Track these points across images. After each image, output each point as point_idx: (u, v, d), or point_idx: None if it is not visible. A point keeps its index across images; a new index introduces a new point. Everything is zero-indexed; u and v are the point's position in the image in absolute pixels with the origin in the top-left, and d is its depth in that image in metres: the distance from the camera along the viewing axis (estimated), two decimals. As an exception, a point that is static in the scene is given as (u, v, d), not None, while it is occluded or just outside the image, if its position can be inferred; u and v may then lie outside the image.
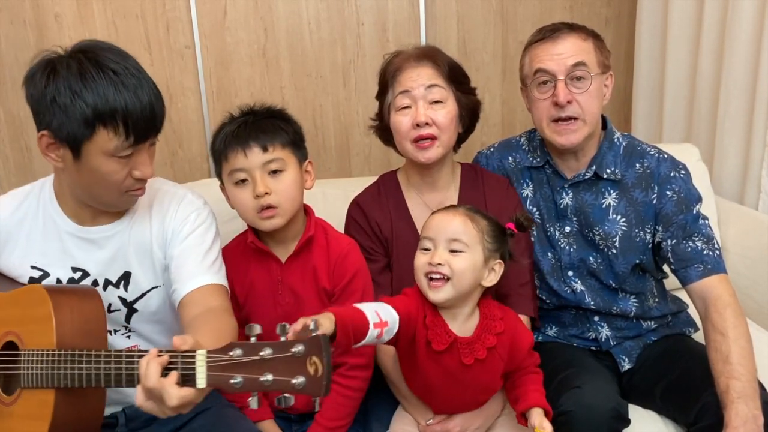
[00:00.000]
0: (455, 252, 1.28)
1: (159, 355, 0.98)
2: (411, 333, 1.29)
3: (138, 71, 1.20)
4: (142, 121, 1.18)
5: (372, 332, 1.14)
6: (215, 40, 2.46)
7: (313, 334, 0.92)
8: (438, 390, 1.37)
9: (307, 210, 1.55)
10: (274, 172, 1.42)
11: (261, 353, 0.92)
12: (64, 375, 1.13)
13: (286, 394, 0.92)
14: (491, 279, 1.32)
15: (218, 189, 1.56)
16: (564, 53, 1.50)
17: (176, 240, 1.35)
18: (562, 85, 1.49)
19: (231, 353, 0.94)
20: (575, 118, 1.50)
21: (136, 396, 1.00)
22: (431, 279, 1.28)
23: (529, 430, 1.29)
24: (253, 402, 0.95)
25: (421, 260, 1.30)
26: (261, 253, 1.49)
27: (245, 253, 1.51)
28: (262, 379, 0.91)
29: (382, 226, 1.61)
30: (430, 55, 1.54)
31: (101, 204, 1.32)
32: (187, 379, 0.97)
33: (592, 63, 1.51)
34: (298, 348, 0.91)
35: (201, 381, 0.95)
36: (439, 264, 1.27)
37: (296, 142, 1.48)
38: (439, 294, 1.28)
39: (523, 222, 1.36)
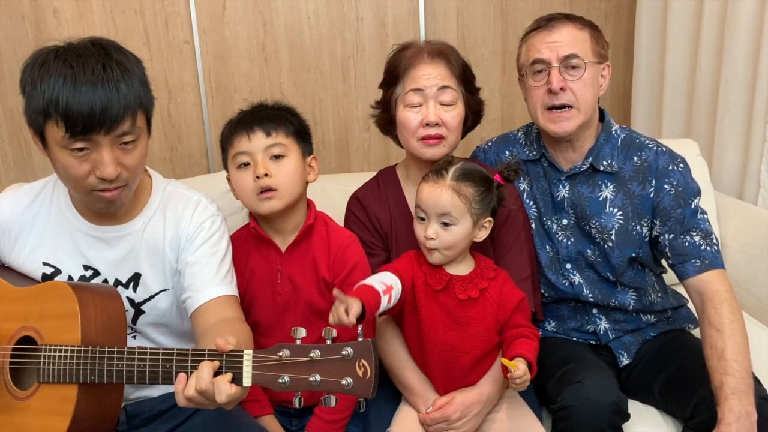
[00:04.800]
0: (446, 225, 1.39)
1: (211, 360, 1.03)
2: (410, 284, 1.42)
3: (107, 66, 1.17)
4: (81, 116, 1.14)
5: (383, 299, 1.30)
6: (214, 36, 2.45)
7: (362, 339, 0.98)
8: (438, 338, 1.41)
9: (308, 203, 1.56)
10: (277, 157, 1.44)
11: (311, 355, 0.98)
12: (91, 371, 1.13)
13: (331, 395, 0.98)
14: (482, 235, 1.44)
15: (218, 185, 1.56)
16: (559, 41, 1.50)
17: (190, 247, 1.36)
18: (555, 72, 1.49)
19: (280, 354, 0.99)
20: (569, 107, 1.51)
21: (178, 395, 1.04)
22: (427, 247, 1.41)
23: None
24: (296, 401, 1.01)
25: (418, 230, 1.43)
26: (262, 241, 1.51)
27: (247, 242, 1.53)
28: (310, 379, 0.97)
29: (382, 221, 1.61)
30: (445, 53, 1.53)
31: (84, 203, 1.31)
32: (233, 378, 1.02)
33: (587, 52, 1.51)
34: (348, 351, 0.97)
35: (247, 380, 1.01)
36: (432, 238, 1.39)
37: (300, 134, 1.50)
38: (433, 258, 1.42)
39: (509, 174, 1.44)
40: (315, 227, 1.52)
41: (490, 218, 1.43)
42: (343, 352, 0.96)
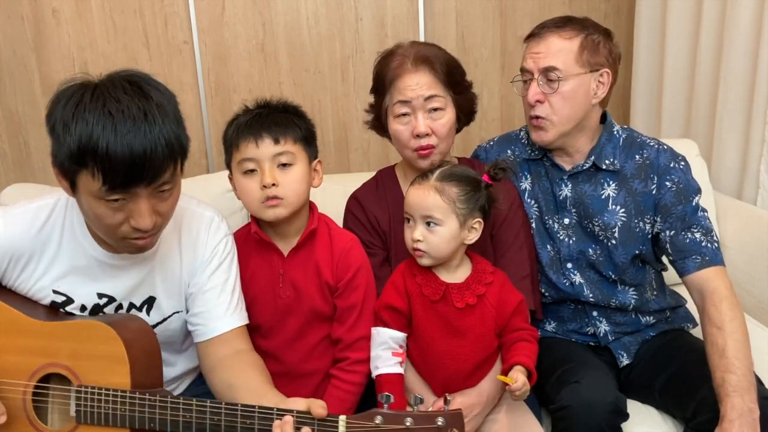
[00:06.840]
0: (431, 226, 1.38)
1: (297, 426, 1.08)
2: (407, 302, 1.43)
3: (149, 113, 1.09)
4: (123, 169, 1.06)
5: (402, 369, 1.40)
6: (213, 36, 2.45)
7: (452, 408, 1.07)
8: (437, 347, 1.41)
9: (311, 206, 1.55)
10: (284, 165, 1.43)
11: (406, 423, 1.05)
12: (150, 419, 1.14)
13: None
14: (472, 237, 1.41)
15: (218, 185, 1.56)
16: (541, 53, 1.51)
17: (205, 271, 1.36)
18: (534, 85, 1.51)
19: (376, 421, 1.06)
20: (544, 118, 1.53)
21: None
22: (414, 249, 1.41)
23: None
24: None
25: (406, 234, 1.43)
26: (263, 244, 1.50)
27: (248, 244, 1.51)
28: None
29: (381, 220, 1.61)
30: (427, 60, 1.51)
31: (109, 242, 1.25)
32: None
33: (570, 63, 1.49)
34: (441, 421, 1.06)
35: None
36: (418, 240, 1.39)
37: (308, 139, 1.49)
38: (422, 261, 1.42)
39: (495, 173, 1.43)
40: (317, 231, 1.51)
41: (480, 219, 1.41)
42: (438, 422, 1.05)
